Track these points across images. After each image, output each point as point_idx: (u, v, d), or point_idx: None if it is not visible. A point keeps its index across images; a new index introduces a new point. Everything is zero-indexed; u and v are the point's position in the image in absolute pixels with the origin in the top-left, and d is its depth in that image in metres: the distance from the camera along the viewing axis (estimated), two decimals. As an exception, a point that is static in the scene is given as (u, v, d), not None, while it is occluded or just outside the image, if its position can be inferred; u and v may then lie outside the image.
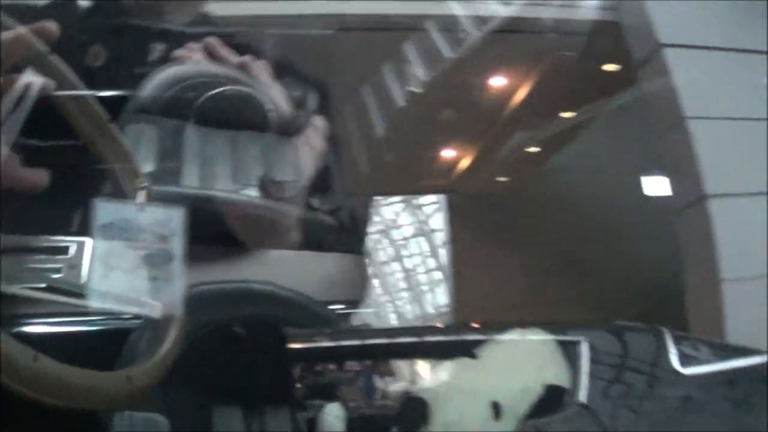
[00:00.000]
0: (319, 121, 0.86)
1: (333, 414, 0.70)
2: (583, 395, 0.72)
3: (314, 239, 0.88)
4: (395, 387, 0.77)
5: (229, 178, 0.79)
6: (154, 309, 0.54)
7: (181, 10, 0.91)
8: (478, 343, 0.71)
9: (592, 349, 0.73)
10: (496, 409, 0.69)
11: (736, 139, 0.87)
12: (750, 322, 0.78)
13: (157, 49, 0.89)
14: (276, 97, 0.82)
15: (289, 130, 0.82)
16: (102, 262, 0.52)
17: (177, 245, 0.55)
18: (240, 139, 0.81)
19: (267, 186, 0.84)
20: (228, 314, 0.71)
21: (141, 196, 0.56)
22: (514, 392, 0.71)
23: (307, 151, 0.82)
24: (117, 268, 0.51)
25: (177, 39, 0.84)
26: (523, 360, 0.73)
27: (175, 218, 0.55)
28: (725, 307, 0.79)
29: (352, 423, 0.69)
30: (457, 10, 1.10)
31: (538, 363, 0.73)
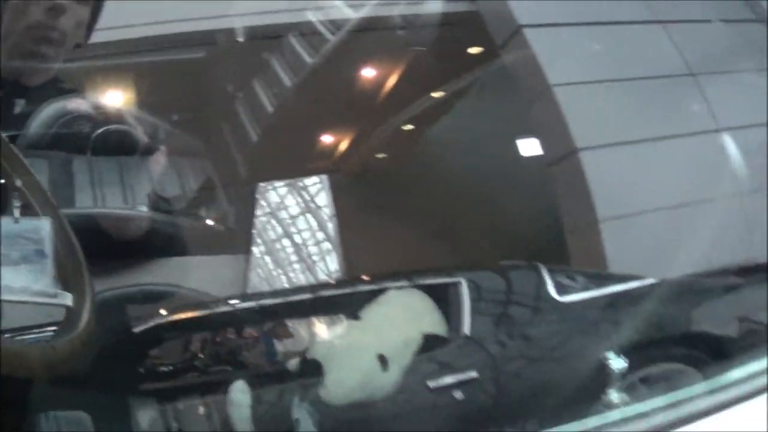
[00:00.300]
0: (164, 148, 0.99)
1: (239, 390, 0.78)
2: (466, 328, 0.83)
3: (204, 244, 0.98)
4: (289, 352, 0.87)
5: (120, 198, 0.89)
6: (66, 298, 0.63)
7: (37, 73, 1.00)
8: (360, 305, 0.81)
9: (477, 287, 0.84)
10: (383, 361, 0.79)
11: (595, 99, 1.01)
12: (629, 254, 0.90)
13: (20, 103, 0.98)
14: (138, 130, 0.94)
15: (149, 154, 0.94)
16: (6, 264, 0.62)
17: (48, 247, 0.66)
18: (126, 165, 0.91)
19: (156, 202, 0.96)
20: (135, 314, 0.79)
21: (16, 212, 0.66)
22: (396, 344, 0.82)
23: (165, 169, 0.95)
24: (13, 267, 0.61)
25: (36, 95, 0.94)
26: (401, 315, 0.84)
27: (44, 227, 0.67)
28: (605, 244, 0.91)
29: (256, 394, 0.78)
30: (313, 17, 1.19)
31: (414, 315, 0.83)
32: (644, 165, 1.01)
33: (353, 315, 0.78)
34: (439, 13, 1.05)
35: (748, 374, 0.64)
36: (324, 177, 0.91)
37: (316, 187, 0.94)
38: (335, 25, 1.22)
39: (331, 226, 0.88)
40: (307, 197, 0.93)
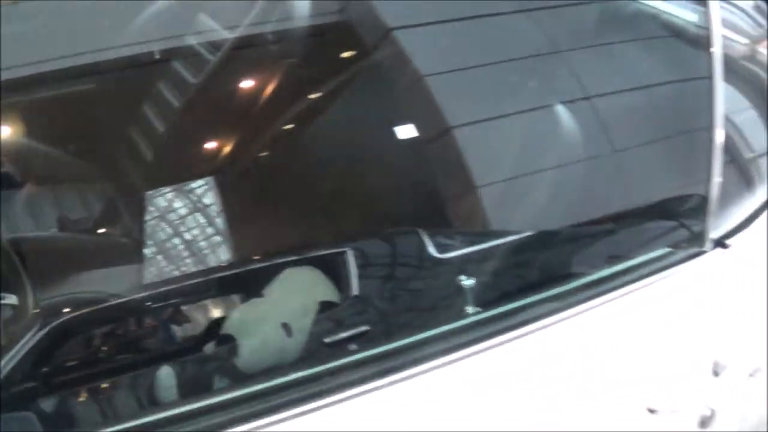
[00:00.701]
0: None
1: (164, 373, 0.89)
2: (354, 290, 0.95)
3: (113, 255, 1.10)
4: (204, 331, 0.99)
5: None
6: (11, 298, 0.76)
7: None
8: (262, 283, 0.93)
9: (363, 254, 0.96)
10: (287, 329, 0.91)
11: (464, 83, 1.09)
12: (505, 214, 0.99)
13: None
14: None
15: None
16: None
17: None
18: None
19: (65, 224, 1.08)
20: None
21: None
22: (297, 313, 0.94)
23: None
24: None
25: None
26: (298, 287, 0.95)
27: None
28: (481, 208, 1.00)
29: (181, 377, 0.89)
30: (192, 41, 1.26)
31: (309, 286, 0.95)
32: (514, 135, 1.12)
33: (257, 293, 0.89)
34: (309, 26, 1.14)
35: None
36: (210, 179, 1.00)
37: (203, 188, 1.03)
38: (214, 46, 1.31)
39: (219, 221, 0.97)
40: (195, 198, 1.03)
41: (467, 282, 0.87)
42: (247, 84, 0.93)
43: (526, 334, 0.84)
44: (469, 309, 0.85)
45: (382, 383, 0.75)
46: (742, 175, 1.26)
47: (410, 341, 0.80)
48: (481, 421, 0.82)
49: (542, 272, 0.97)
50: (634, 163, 1.21)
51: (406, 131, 1.04)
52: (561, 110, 1.18)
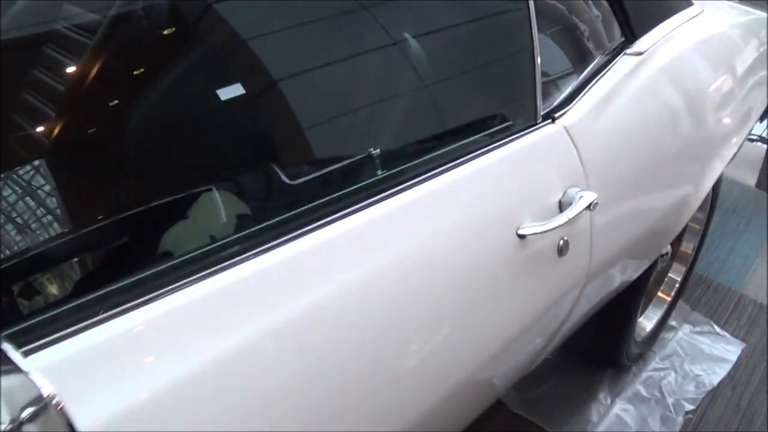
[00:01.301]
0: None
1: None
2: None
3: None
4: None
5: None
6: None
7: None
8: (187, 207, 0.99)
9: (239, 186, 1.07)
10: (214, 239, 1.00)
11: (282, 43, 1.15)
12: (338, 145, 1.08)
13: None
14: None
15: None
16: None
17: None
18: None
19: None
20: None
21: None
22: (220, 226, 1.03)
23: None
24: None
25: None
26: (217, 206, 1.04)
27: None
28: (317, 143, 1.07)
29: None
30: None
31: (226, 204, 1.04)
32: (333, 81, 1.25)
33: (183, 216, 0.98)
34: (127, 11, 1.12)
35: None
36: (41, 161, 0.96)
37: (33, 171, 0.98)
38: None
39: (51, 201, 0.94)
40: (24, 183, 0.98)
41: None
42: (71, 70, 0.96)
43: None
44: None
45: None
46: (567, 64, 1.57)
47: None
48: (393, 249, 1.04)
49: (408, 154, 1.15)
50: (470, 83, 1.43)
51: (235, 90, 1.11)
52: (403, 46, 1.34)
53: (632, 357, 2.32)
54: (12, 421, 0.56)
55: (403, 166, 1.14)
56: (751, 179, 3.70)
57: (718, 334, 2.60)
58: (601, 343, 2.22)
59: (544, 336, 1.51)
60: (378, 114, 1.24)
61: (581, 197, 1.31)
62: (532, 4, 1.39)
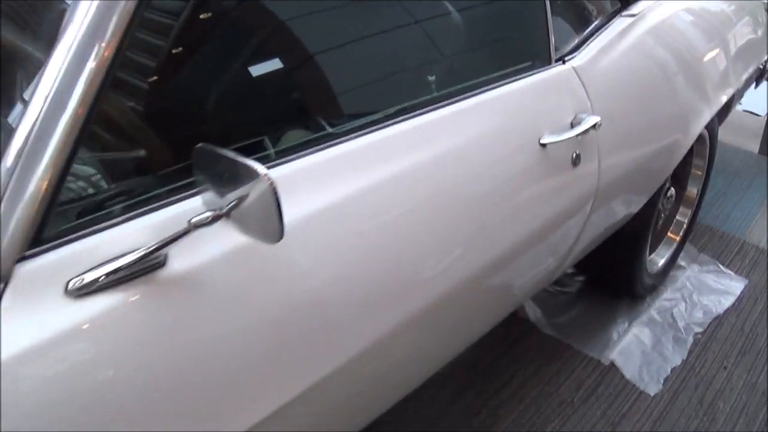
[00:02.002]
0: None
1: None
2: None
3: None
4: None
5: None
6: None
7: None
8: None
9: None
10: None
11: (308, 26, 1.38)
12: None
13: None
14: None
15: None
16: None
17: None
18: None
19: None
20: None
21: None
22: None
23: None
24: None
25: None
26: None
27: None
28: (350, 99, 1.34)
29: None
30: None
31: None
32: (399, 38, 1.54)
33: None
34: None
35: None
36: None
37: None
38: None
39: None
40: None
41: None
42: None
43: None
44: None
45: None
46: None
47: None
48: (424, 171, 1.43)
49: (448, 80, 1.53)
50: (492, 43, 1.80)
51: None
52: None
53: (646, 288, 2.68)
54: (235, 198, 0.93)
55: (452, 88, 1.53)
56: (754, 147, 4.05)
57: (723, 272, 2.95)
58: (617, 275, 2.58)
59: (563, 244, 1.88)
60: (435, 55, 1.63)
61: (588, 118, 1.69)
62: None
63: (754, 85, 3.18)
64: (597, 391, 2.31)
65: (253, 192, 0.88)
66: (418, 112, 1.40)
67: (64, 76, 0.86)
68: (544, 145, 1.61)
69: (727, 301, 2.78)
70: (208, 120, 1.18)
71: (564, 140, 1.62)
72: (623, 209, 2.14)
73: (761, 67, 3.03)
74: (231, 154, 0.89)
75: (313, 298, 1.12)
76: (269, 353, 1.07)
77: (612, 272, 2.57)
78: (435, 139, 1.41)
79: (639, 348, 2.49)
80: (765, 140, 3.97)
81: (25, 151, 0.84)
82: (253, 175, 0.87)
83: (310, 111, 1.35)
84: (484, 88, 1.55)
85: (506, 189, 1.55)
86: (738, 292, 2.84)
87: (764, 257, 3.10)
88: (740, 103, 3.82)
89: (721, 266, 2.98)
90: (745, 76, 2.74)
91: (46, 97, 0.85)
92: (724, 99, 2.49)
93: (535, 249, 1.72)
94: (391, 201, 1.28)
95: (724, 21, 2.55)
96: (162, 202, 0.98)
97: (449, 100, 1.48)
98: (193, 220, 0.90)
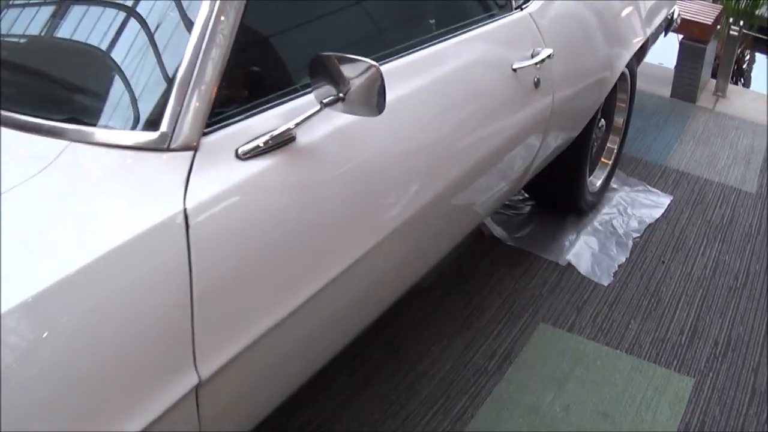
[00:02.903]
0: None
1: None
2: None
3: None
4: None
5: None
6: None
7: None
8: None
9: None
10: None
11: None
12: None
13: None
14: None
15: None
16: None
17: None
18: None
19: None
20: None
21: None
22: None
23: None
24: None
25: None
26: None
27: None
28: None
29: None
30: None
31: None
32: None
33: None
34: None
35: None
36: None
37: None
38: None
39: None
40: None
41: None
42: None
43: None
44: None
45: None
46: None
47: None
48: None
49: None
50: None
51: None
52: None
53: (588, 204, 3.20)
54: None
55: (445, 29, 1.99)
56: (666, 92, 4.65)
57: (650, 191, 3.51)
58: (564, 195, 3.10)
59: (527, 154, 2.37)
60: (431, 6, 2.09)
61: (544, 50, 2.19)
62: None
63: (663, 33, 3.74)
64: (560, 285, 2.82)
65: (363, 79, 1.33)
66: (426, 45, 1.86)
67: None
68: (515, 70, 2.09)
69: (657, 213, 3.33)
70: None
71: (528, 65, 2.11)
72: (568, 131, 2.65)
73: (668, 17, 3.59)
74: (346, 55, 1.34)
75: (390, 160, 1.59)
76: (365, 196, 1.54)
77: (559, 192, 3.08)
78: (438, 65, 1.87)
79: (589, 251, 3.01)
80: (675, 86, 4.56)
81: (202, 50, 1.26)
82: (363, 67, 1.32)
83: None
84: (470, 28, 2.03)
85: (490, 104, 2.03)
86: (665, 205, 3.39)
87: (685, 178, 3.67)
88: (659, 62, 4.42)
89: (648, 186, 3.53)
90: (654, 26, 3.29)
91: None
92: (638, 43, 3.02)
93: (508, 156, 2.21)
94: (418, 108, 1.75)
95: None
96: (294, 95, 1.43)
97: (445, 38, 1.95)
98: (325, 101, 1.34)
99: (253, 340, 1.30)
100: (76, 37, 1.36)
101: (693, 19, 4.34)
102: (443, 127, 1.83)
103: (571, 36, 2.45)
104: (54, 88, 1.34)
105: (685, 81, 4.48)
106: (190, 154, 1.24)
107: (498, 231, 3.04)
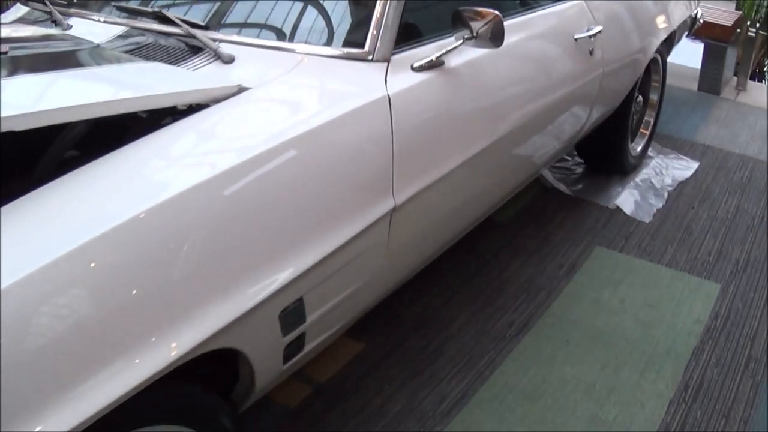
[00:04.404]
0: None
1: None
2: None
3: None
4: None
5: None
6: None
7: None
8: None
9: None
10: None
11: None
12: None
13: None
14: None
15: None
16: None
17: None
18: None
19: None
20: None
21: None
22: None
23: None
24: None
25: None
26: None
27: None
28: None
29: None
30: None
31: None
32: None
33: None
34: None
35: None
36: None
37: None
38: None
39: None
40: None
41: None
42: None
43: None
44: None
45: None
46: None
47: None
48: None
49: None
50: None
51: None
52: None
53: (631, 166, 3.93)
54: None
55: (526, 6, 2.76)
56: (694, 87, 5.40)
57: (681, 158, 4.22)
58: (611, 157, 3.83)
59: (582, 112, 3.11)
60: None
61: (595, 27, 2.95)
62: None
63: (688, 30, 4.49)
64: (610, 222, 3.54)
65: (488, 24, 2.09)
66: (516, 14, 2.61)
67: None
68: (576, 40, 2.85)
69: (687, 173, 4.05)
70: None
71: (585, 36, 2.87)
72: (614, 95, 3.40)
73: (692, 16, 4.35)
74: (477, 8, 2.10)
75: (498, 83, 2.36)
76: (486, 101, 2.30)
77: (607, 154, 3.82)
78: (525, 29, 2.63)
79: (632, 198, 3.73)
80: (701, 81, 5.31)
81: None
82: (490, 15, 2.09)
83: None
84: (543, 7, 2.79)
85: (559, 62, 2.79)
86: (694, 168, 4.11)
87: (710, 150, 4.39)
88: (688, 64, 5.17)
89: (679, 155, 4.25)
90: (678, 21, 4.05)
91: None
92: (665, 33, 3.78)
93: (570, 106, 2.96)
94: (513, 54, 2.52)
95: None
96: (444, 35, 2.20)
97: (527, 11, 2.71)
98: (466, 36, 2.11)
99: (430, 182, 2.05)
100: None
101: (715, 21, 5.09)
102: (529, 71, 2.59)
103: (613, 21, 3.20)
104: (298, 23, 2.12)
105: (710, 76, 5.22)
106: (384, 64, 2.00)
107: (557, 184, 3.79)
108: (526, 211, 3.53)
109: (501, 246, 3.26)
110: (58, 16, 2.22)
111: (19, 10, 2.50)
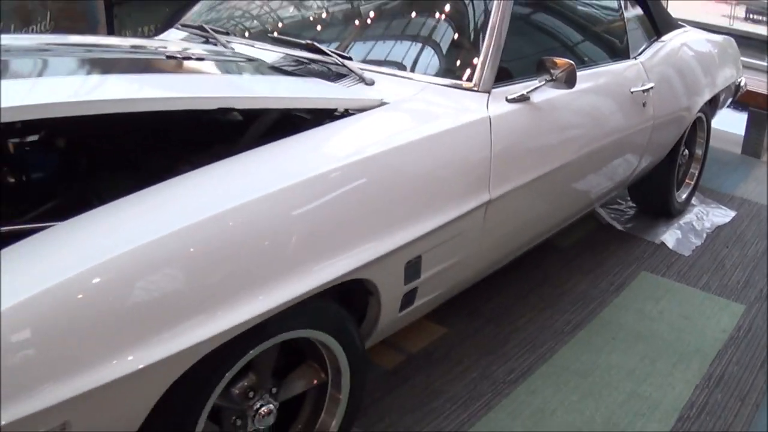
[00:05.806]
0: None
1: None
2: None
3: None
4: None
5: None
6: None
7: None
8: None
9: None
10: None
11: None
12: None
13: None
14: None
15: None
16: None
17: None
18: None
19: None
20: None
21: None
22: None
23: None
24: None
25: None
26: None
27: None
28: None
29: None
30: None
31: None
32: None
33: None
34: None
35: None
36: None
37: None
38: None
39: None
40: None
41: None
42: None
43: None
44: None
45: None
46: None
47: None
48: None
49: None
50: None
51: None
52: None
53: (676, 211, 4.52)
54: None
55: (593, 62, 3.43)
56: (738, 150, 6.01)
57: (721, 208, 4.80)
58: (659, 202, 4.44)
59: (633, 157, 3.73)
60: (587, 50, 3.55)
61: (648, 83, 3.61)
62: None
63: (731, 98, 5.12)
64: (656, 253, 4.13)
65: (564, 70, 2.74)
66: (586, 67, 3.27)
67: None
68: (632, 92, 3.50)
69: (725, 219, 4.63)
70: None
71: (639, 91, 3.52)
72: (662, 146, 4.02)
73: (736, 83, 4.98)
74: (556, 58, 2.77)
75: (568, 119, 3.01)
76: (559, 130, 2.95)
77: (655, 200, 4.43)
78: (593, 80, 3.29)
79: (675, 236, 4.32)
80: (744, 145, 5.92)
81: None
82: (565, 63, 2.74)
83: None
84: (607, 63, 3.46)
85: (618, 110, 3.43)
86: (731, 216, 4.69)
87: (747, 203, 4.97)
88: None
89: (719, 204, 4.84)
90: (722, 86, 4.68)
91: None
92: (709, 94, 4.41)
93: (624, 148, 3.59)
94: (582, 99, 3.17)
95: (711, 48, 4.53)
96: (529, 77, 2.86)
97: (594, 66, 3.37)
98: (546, 78, 2.76)
99: (516, 186, 2.69)
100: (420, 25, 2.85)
101: (758, 90, 5.71)
102: (592, 114, 3.24)
103: (663, 81, 3.85)
104: (418, 56, 2.81)
105: (752, 142, 5.82)
106: (486, 94, 2.66)
107: (612, 222, 4.40)
108: (583, 240, 4.15)
109: (562, 265, 3.88)
110: (222, 41, 2.92)
111: (172, 33, 3.18)
